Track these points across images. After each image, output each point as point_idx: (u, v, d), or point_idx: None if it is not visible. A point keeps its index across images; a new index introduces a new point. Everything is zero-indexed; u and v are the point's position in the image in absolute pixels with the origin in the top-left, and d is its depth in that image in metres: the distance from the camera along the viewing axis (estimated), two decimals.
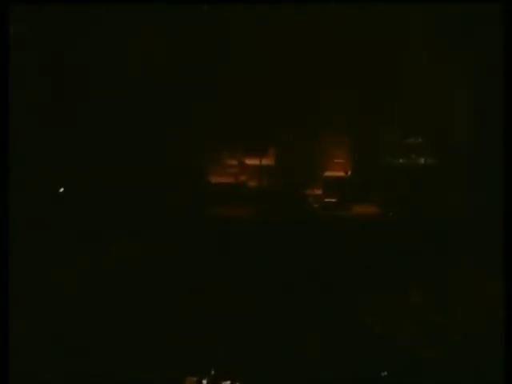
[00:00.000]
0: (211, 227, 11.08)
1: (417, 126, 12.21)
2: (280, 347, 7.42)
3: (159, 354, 7.36)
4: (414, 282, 9.16)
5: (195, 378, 6.91)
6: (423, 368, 7.17)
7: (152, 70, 11.79)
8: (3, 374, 6.27)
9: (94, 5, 10.85)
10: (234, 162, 12.95)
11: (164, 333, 7.82)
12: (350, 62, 11.80)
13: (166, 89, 11.88)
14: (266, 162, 12.80)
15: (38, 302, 8.47)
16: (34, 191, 11.04)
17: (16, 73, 8.81)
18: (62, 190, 11.41)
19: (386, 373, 6.95)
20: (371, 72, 11.88)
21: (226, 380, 6.88)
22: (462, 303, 8.44)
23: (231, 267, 9.57)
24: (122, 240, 10.41)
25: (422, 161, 12.24)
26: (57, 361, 7.14)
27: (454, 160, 11.65)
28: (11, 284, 6.86)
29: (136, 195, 11.45)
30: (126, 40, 11.60)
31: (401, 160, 12.33)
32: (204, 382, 6.91)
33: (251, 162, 12.85)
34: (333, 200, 12.29)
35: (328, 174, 12.69)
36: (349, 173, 12.62)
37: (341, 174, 12.65)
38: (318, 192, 12.47)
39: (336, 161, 12.74)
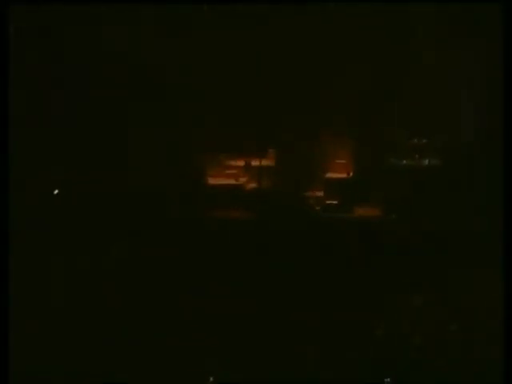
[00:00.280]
0: (211, 229, 11.03)
1: (420, 127, 12.12)
2: (280, 350, 7.40)
3: (159, 355, 7.36)
4: (417, 284, 9.07)
5: None
6: (423, 371, 7.16)
7: (152, 70, 11.78)
8: (3, 374, 6.27)
9: (94, 5, 10.85)
10: (234, 163, 12.90)
11: (163, 333, 7.81)
12: (350, 62, 11.79)
13: (166, 89, 11.87)
14: (265, 162, 12.70)
15: (37, 302, 8.46)
16: (33, 191, 11.05)
17: (16, 73, 8.82)
18: (56, 191, 11.38)
19: (389, 379, 6.93)
20: (372, 72, 11.87)
21: None
22: (464, 305, 8.39)
23: (231, 269, 9.54)
24: (121, 240, 10.40)
25: (426, 162, 12.09)
26: (57, 361, 7.14)
27: (459, 161, 11.54)
28: (11, 284, 6.87)
29: (136, 196, 11.44)
30: (126, 40, 11.61)
31: (404, 161, 12.17)
32: None
33: (251, 163, 12.79)
34: (334, 202, 12.12)
35: (329, 175, 12.54)
36: (351, 174, 12.45)
37: (342, 175, 12.48)
38: (319, 194, 12.30)
39: (337, 162, 12.61)
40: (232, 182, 12.58)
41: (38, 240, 9.96)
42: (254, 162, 12.67)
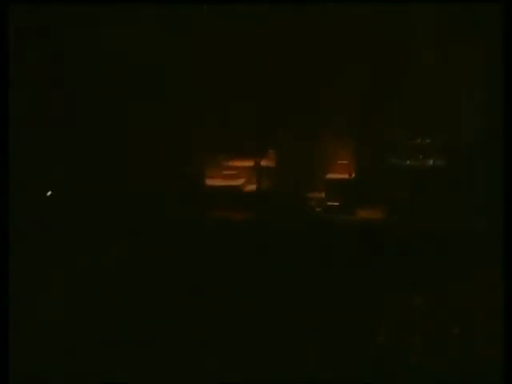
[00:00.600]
0: (210, 229, 10.99)
1: (422, 127, 12.04)
2: (280, 353, 7.39)
3: (158, 355, 7.36)
4: (419, 285, 9.01)
5: None
6: (423, 371, 7.15)
7: (151, 70, 11.78)
8: (3, 373, 6.28)
9: (94, 5, 10.85)
10: (234, 164, 12.85)
11: (163, 333, 7.81)
12: (351, 62, 11.77)
13: (166, 89, 11.87)
14: (265, 163, 12.67)
15: (37, 302, 8.47)
16: (32, 192, 11.06)
17: (16, 73, 8.82)
18: (50, 193, 11.36)
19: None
20: (373, 72, 11.84)
21: None
22: (466, 306, 8.34)
23: (231, 270, 9.51)
24: (121, 240, 10.38)
25: (429, 162, 12.00)
26: (57, 361, 7.14)
27: (461, 161, 11.49)
28: (11, 284, 6.87)
29: (135, 196, 11.43)
30: (126, 40, 11.61)
31: (407, 161, 12.07)
32: None
33: (250, 163, 12.75)
34: (335, 203, 12.01)
35: (330, 175, 12.45)
36: (352, 175, 12.36)
37: (344, 175, 12.39)
38: (320, 195, 12.22)
39: (339, 162, 12.54)
40: (232, 182, 12.56)
41: (38, 240, 9.96)
42: (254, 163, 12.67)
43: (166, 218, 11.15)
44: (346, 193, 12.05)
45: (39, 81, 11.40)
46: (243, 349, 7.42)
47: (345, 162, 12.51)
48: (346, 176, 12.35)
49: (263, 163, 12.58)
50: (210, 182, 12.55)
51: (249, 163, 12.78)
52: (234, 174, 12.75)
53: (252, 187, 12.54)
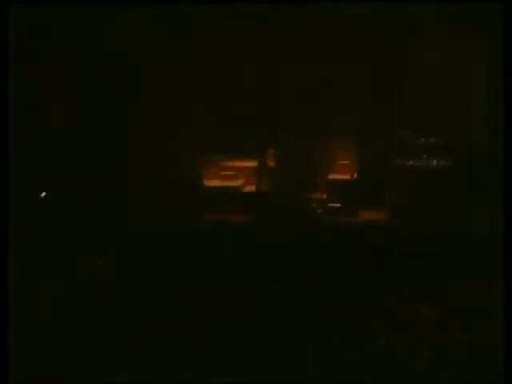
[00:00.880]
0: (208, 232, 10.91)
1: (426, 126, 11.92)
2: (281, 360, 7.36)
3: (158, 355, 7.36)
4: (424, 291, 8.89)
5: None
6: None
7: (151, 70, 11.78)
8: (3, 374, 6.28)
9: (94, 5, 10.85)
10: (232, 165, 12.74)
11: (163, 334, 7.81)
12: (352, 62, 11.75)
13: (165, 89, 11.86)
14: (264, 163, 12.47)
15: (37, 302, 8.47)
16: (32, 192, 11.08)
17: (16, 73, 8.82)
18: (43, 194, 11.34)
19: None
20: (375, 72, 11.80)
21: None
22: (473, 313, 8.25)
23: (229, 274, 9.42)
24: (117, 241, 10.35)
25: (434, 162, 11.77)
26: (57, 361, 7.14)
27: (467, 161, 11.31)
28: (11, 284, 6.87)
29: (132, 196, 11.40)
30: (126, 40, 11.61)
31: (411, 161, 11.83)
32: None
33: (249, 164, 12.66)
34: (337, 204, 11.79)
35: (332, 176, 12.22)
36: (354, 175, 12.14)
37: (346, 176, 12.17)
38: (322, 196, 12.00)
39: (340, 162, 12.33)
40: (228, 184, 12.36)
41: (38, 240, 9.97)
42: (253, 163, 12.53)
43: (164, 218, 11.11)
44: (348, 194, 11.83)
45: (39, 81, 11.40)
46: (243, 349, 7.42)
47: (347, 162, 12.32)
48: (348, 177, 12.15)
49: (263, 163, 12.42)
50: (207, 182, 12.40)
51: (248, 163, 12.68)
52: (233, 175, 12.60)
53: (251, 188, 12.38)
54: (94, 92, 11.62)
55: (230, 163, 12.80)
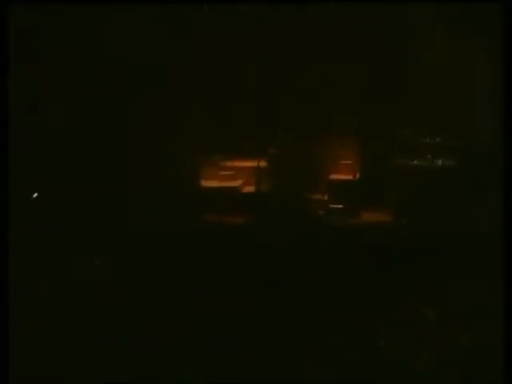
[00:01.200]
0: (205, 234, 10.84)
1: (431, 126, 11.78)
2: (280, 359, 7.35)
3: (160, 354, 7.36)
4: (428, 295, 8.80)
5: None
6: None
7: (151, 70, 11.78)
8: (3, 374, 6.28)
9: (94, 5, 10.85)
10: (230, 165, 12.66)
11: (162, 334, 7.81)
12: (354, 62, 11.72)
13: (164, 89, 11.86)
14: (264, 163, 12.35)
15: (37, 303, 8.47)
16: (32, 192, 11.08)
17: (16, 73, 8.81)
18: (35, 194, 11.32)
19: None
20: (377, 71, 11.74)
21: None
22: (478, 317, 8.18)
23: (227, 278, 9.35)
24: (114, 243, 10.31)
25: (439, 162, 11.60)
26: (56, 361, 7.14)
27: (473, 161, 11.17)
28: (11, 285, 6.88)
29: (130, 197, 11.37)
30: (126, 40, 11.61)
31: (415, 161, 11.66)
32: None
33: (248, 164, 12.55)
34: (339, 206, 11.60)
35: (333, 176, 12.04)
36: (357, 175, 11.95)
37: (348, 176, 11.97)
38: (323, 197, 11.79)
39: (342, 162, 12.16)
40: (226, 185, 12.22)
41: (36, 240, 9.97)
42: (252, 163, 12.35)
43: (163, 218, 11.07)
44: (350, 195, 11.64)
45: (39, 81, 11.40)
46: (243, 349, 7.42)
47: (348, 162, 12.16)
48: (350, 177, 11.95)
49: (261, 164, 12.25)
50: (203, 184, 12.25)
51: (245, 164, 12.56)
52: (229, 176, 12.43)
53: (248, 190, 12.23)
54: (93, 92, 11.62)
55: (229, 163, 12.74)
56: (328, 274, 9.32)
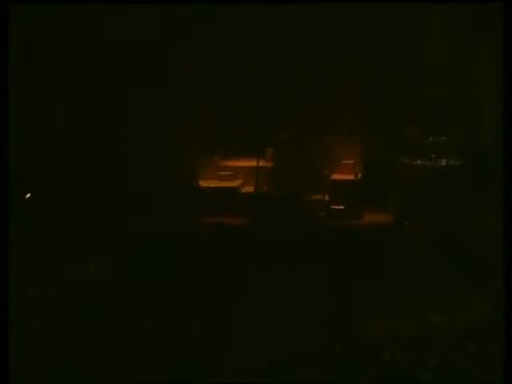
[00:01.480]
0: (202, 236, 10.75)
1: (434, 125, 11.64)
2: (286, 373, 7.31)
3: (158, 356, 7.37)
4: (434, 300, 8.68)
5: None
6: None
7: (151, 70, 11.75)
8: (3, 374, 6.27)
9: (94, 5, 10.83)
10: (229, 165, 12.51)
11: (160, 339, 7.80)
12: (358, 60, 11.62)
13: (163, 88, 11.82)
14: (263, 163, 12.29)
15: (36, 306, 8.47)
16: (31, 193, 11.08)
17: (16, 73, 8.80)
18: (28, 195, 11.28)
19: None
20: (382, 70, 11.65)
21: None
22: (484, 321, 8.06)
23: (225, 283, 9.24)
24: (109, 244, 10.27)
25: (443, 162, 11.42)
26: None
27: (479, 161, 11.03)
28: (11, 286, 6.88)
29: (127, 198, 11.31)
30: (126, 40, 11.58)
31: (418, 161, 11.47)
32: None
33: (247, 164, 12.46)
34: (340, 207, 11.41)
35: (335, 176, 11.88)
36: (359, 175, 11.81)
37: (350, 176, 11.82)
38: (324, 198, 11.60)
39: (344, 162, 12.03)
40: (225, 185, 12.08)
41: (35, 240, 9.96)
42: (251, 163, 12.26)
43: (154, 223, 10.96)
44: (352, 195, 11.41)
45: (39, 81, 11.38)
46: (246, 350, 7.42)
47: (350, 161, 12.00)
48: (352, 177, 11.79)
49: (261, 164, 12.13)
50: (202, 184, 12.13)
51: (244, 164, 12.43)
52: (228, 176, 12.30)
53: (247, 190, 12.08)
54: (93, 92, 11.60)
55: (229, 163, 12.62)
56: (329, 277, 9.22)
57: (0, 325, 6.46)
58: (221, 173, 12.42)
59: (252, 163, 12.27)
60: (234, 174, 12.41)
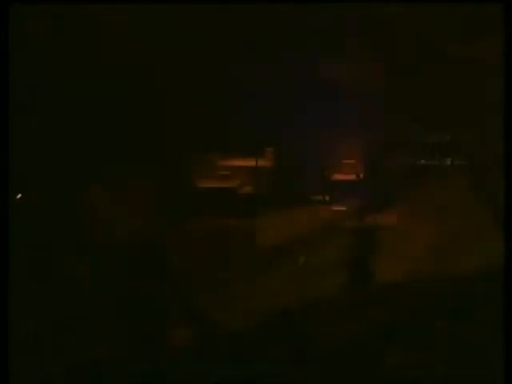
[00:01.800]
0: (200, 238, 10.69)
1: (439, 124, 11.43)
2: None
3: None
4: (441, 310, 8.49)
5: None
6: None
7: (151, 69, 11.77)
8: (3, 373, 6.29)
9: (95, 5, 10.85)
10: (226, 164, 12.44)
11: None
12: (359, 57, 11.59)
13: (162, 88, 11.83)
14: (262, 163, 12.08)
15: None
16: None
17: (16, 73, 8.81)
18: (19, 195, 11.27)
19: None
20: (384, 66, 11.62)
21: None
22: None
23: (223, 288, 9.20)
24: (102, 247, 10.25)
25: (449, 162, 11.15)
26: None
27: (484, 161, 10.74)
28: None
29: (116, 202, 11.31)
30: (126, 40, 11.60)
31: (423, 161, 11.21)
32: None
33: (245, 163, 12.36)
34: (342, 208, 11.15)
35: (336, 177, 11.65)
36: (361, 176, 11.63)
37: (351, 176, 11.59)
38: (324, 199, 11.41)
39: (345, 162, 11.77)
40: (222, 186, 11.85)
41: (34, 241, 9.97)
42: (249, 163, 12.01)
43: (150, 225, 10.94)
44: (354, 196, 11.19)
45: (39, 81, 11.40)
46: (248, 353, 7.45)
47: (352, 161, 11.77)
48: (354, 177, 11.58)
49: (259, 163, 11.92)
50: (199, 185, 11.88)
51: (242, 163, 12.36)
52: (225, 177, 12.03)
53: (245, 191, 11.89)
54: (93, 91, 11.61)
55: (224, 162, 12.50)
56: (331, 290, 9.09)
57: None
58: (219, 173, 12.23)
59: (251, 163, 11.98)
60: (231, 175, 12.12)
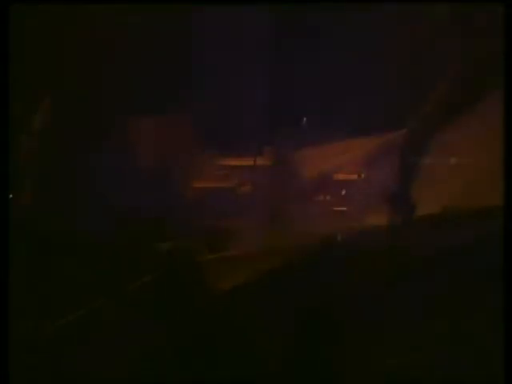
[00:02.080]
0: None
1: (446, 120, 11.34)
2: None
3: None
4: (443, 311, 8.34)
5: None
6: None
7: (149, 69, 11.78)
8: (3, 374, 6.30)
9: (95, 5, 10.86)
10: (224, 164, 12.39)
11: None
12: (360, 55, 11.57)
13: (163, 88, 11.84)
14: (260, 162, 11.95)
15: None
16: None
17: (16, 73, 8.82)
18: (10, 196, 11.23)
19: None
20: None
21: None
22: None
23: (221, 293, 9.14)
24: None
25: (453, 160, 10.73)
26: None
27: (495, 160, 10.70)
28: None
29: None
30: (126, 40, 11.61)
31: (425, 159, 10.72)
32: None
33: (243, 163, 12.34)
34: (342, 208, 11.01)
35: (336, 176, 11.49)
36: (362, 175, 11.49)
37: (352, 176, 11.46)
38: (324, 199, 11.24)
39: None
40: (219, 186, 11.72)
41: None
42: (247, 162, 11.93)
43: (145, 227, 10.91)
44: (355, 196, 11.03)
45: (39, 81, 11.41)
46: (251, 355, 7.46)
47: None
48: (355, 176, 11.39)
49: (258, 163, 11.79)
50: (196, 185, 11.72)
51: (240, 163, 12.32)
52: (222, 177, 11.88)
53: (243, 191, 11.74)
54: (93, 91, 11.63)
55: (222, 162, 12.46)
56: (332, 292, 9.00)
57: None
58: (216, 173, 12.16)
59: (248, 163, 11.89)
60: (228, 175, 12.09)
